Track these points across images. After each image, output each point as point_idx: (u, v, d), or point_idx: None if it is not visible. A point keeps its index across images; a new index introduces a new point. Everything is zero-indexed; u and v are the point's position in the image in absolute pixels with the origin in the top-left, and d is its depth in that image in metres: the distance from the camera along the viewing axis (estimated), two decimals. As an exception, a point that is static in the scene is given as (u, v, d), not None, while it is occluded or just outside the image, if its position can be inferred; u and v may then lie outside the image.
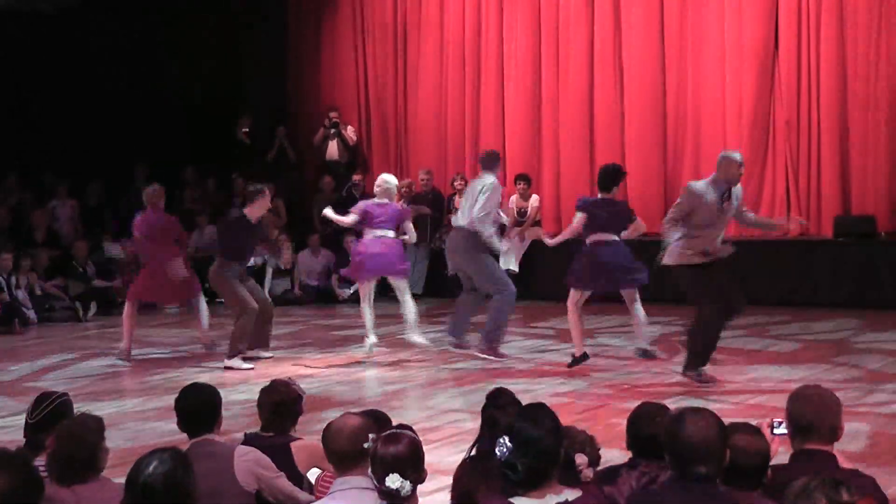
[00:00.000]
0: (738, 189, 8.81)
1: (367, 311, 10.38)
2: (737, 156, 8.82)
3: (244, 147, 16.87)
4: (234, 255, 10.39)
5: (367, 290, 10.42)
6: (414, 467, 3.73)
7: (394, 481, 3.67)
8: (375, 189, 10.62)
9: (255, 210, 10.43)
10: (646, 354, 9.71)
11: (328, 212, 10.73)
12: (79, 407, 5.01)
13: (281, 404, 5.08)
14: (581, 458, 4.13)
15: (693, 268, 8.61)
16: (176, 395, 4.87)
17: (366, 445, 3.89)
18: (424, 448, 3.90)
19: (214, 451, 4.60)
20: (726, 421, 3.78)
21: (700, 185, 8.75)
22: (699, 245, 8.56)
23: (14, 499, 2.90)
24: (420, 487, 3.86)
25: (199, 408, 4.74)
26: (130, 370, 10.40)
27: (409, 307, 10.41)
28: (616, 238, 9.54)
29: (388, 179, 10.67)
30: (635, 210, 14.55)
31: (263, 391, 5.15)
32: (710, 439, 3.50)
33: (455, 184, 15.15)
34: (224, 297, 10.86)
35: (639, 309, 9.60)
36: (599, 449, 4.41)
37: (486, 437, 4.42)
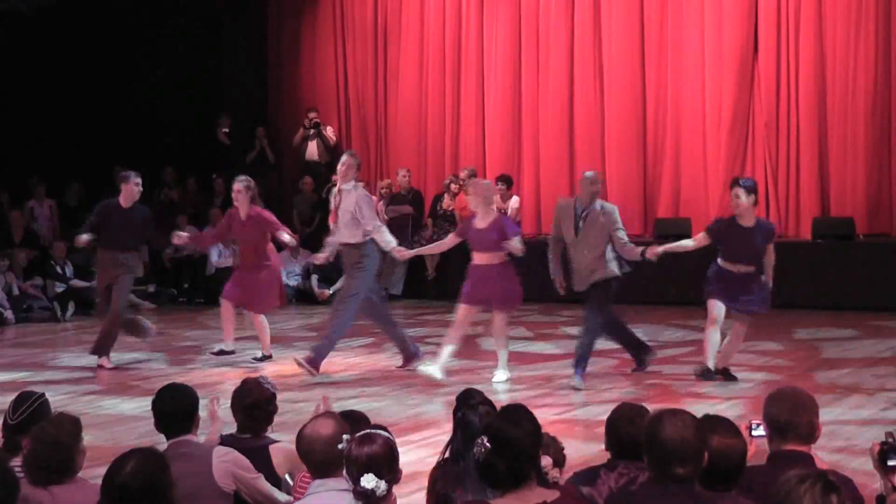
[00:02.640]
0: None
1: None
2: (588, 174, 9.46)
3: (224, 147, 16.83)
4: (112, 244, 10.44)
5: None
6: (388, 467, 3.72)
7: (369, 481, 3.66)
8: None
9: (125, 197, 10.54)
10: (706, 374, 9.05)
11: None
12: (57, 407, 4.98)
13: (254, 406, 5.04)
14: (546, 460, 4.13)
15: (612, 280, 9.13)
16: (153, 396, 4.84)
17: (340, 447, 3.88)
18: (404, 449, 3.90)
19: (192, 451, 4.58)
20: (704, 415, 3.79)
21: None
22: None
23: None
24: (399, 489, 3.85)
25: (176, 409, 4.72)
26: (109, 371, 10.34)
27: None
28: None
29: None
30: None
31: (236, 392, 5.10)
32: (688, 440, 3.50)
33: (451, 185, 15.04)
34: (121, 287, 10.54)
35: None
36: (563, 449, 4.42)
37: (460, 438, 4.42)
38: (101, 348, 10.48)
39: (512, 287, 9.27)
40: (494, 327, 9.40)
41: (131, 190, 10.58)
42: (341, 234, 9.83)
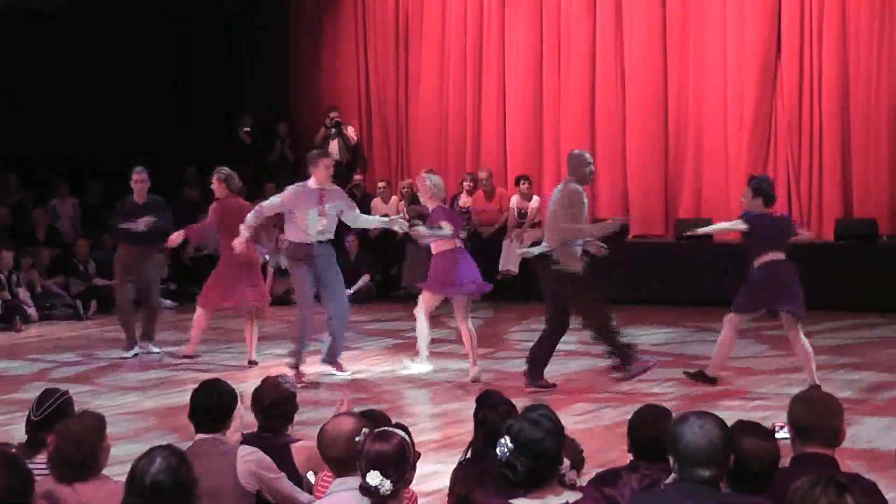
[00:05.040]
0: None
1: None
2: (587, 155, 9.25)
3: (244, 146, 16.86)
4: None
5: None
6: (396, 467, 3.70)
7: (373, 478, 3.65)
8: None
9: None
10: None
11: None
12: (79, 404, 5.00)
13: (274, 405, 5.03)
14: (563, 462, 4.12)
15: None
16: (180, 390, 4.85)
17: (357, 439, 3.89)
18: (425, 450, 3.89)
19: (217, 450, 4.57)
20: (737, 419, 3.79)
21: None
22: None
23: (3, 496, 2.87)
24: (419, 488, 3.85)
25: (214, 405, 4.69)
26: (129, 368, 10.40)
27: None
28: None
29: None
30: (636, 210, 14.72)
31: (256, 392, 5.09)
32: (714, 443, 3.49)
33: (464, 183, 15.15)
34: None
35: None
36: (582, 451, 4.41)
37: (480, 439, 4.42)
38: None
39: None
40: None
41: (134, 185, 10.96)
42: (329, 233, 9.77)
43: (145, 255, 11.10)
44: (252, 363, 10.35)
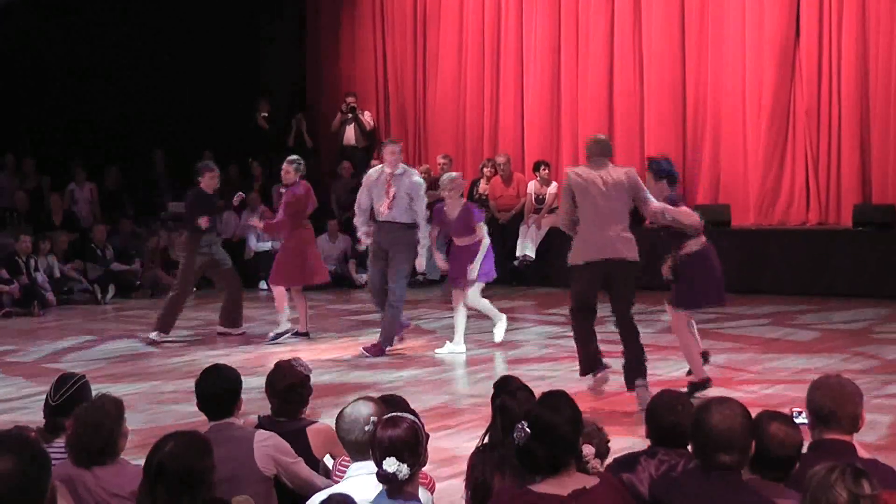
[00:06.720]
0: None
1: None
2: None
3: (262, 132, 16.87)
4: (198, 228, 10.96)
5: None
6: (411, 451, 3.72)
7: (390, 465, 3.67)
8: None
9: (209, 182, 11.21)
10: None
11: None
12: (98, 388, 5.02)
13: (290, 389, 5.03)
14: (588, 449, 4.11)
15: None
16: (196, 377, 4.85)
17: (367, 428, 3.89)
18: (441, 434, 3.89)
19: (234, 435, 4.58)
20: (763, 409, 3.77)
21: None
22: None
23: (20, 479, 2.88)
24: (437, 473, 3.85)
25: (219, 391, 4.70)
26: (148, 352, 10.43)
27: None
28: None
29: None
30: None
31: (270, 376, 5.09)
32: (735, 429, 3.49)
33: (485, 170, 15.20)
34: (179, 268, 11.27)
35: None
36: (608, 441, 4.40)
37: (499, 424, 4.42)
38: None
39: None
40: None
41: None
42: (394, 214, 10.04)
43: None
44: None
